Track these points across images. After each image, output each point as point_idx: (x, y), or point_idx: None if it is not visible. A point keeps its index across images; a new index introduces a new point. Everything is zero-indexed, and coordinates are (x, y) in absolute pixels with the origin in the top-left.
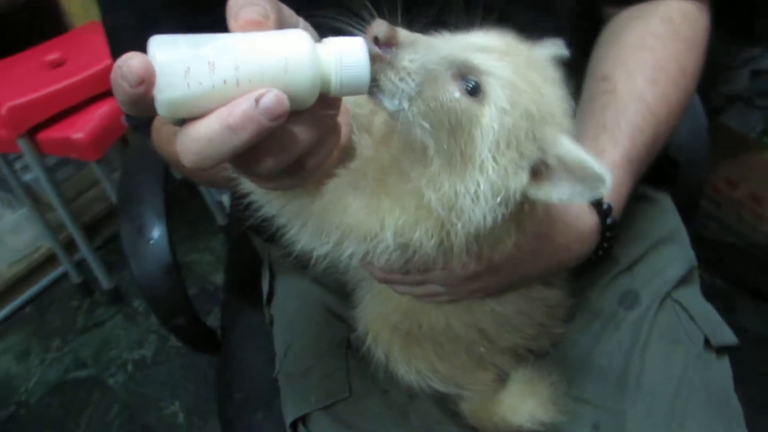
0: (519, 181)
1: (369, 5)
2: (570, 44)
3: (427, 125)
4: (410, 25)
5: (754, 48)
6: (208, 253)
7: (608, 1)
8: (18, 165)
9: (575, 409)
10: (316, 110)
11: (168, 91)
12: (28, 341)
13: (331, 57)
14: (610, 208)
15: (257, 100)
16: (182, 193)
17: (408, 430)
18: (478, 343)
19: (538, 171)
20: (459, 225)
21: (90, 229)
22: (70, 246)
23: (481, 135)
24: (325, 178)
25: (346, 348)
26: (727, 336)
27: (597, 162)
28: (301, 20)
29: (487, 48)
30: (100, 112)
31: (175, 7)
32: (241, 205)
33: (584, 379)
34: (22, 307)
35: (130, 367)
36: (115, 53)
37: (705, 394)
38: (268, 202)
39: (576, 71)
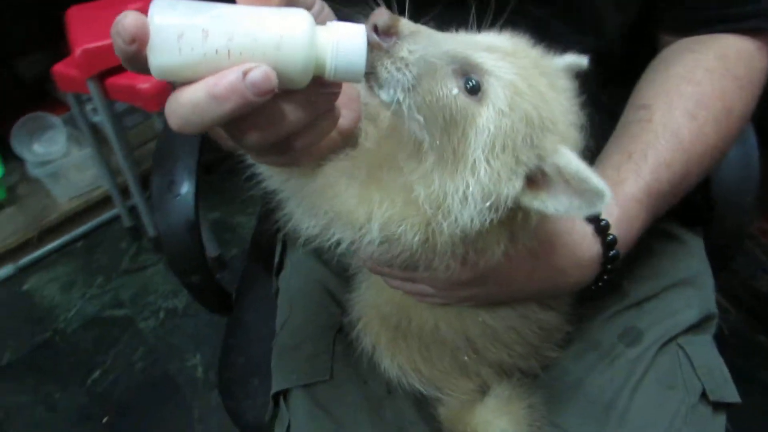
0: (512, 187)
1: None
2: (616, 67)
3: (421, 119)
4: (417, 19)
5: None
6: (255, 218)
7: (665, 29)
8: (89, 106)
9: None
10: (310, 92)
11: (159, 54)
12: (75, 274)
13: (328, 41)
14: (615, 239)
15: (245, 74)
16: (236, 156)
17: (380, 424)
18: (463, 350)
19: (536, 180)
20: (445, 225)
21: (146, 178)
22: (125, 191)
23: (476, 135)
24: (324, 160)
25: (336, 332)
26: (728, 393)
27: (597, 177)
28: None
29: (493, 48)
30: None
31: None
32: None
33: (567, 407)
34: (74, 242)
35: (162, 315)
36: None
37: None
38: (271, 176)
39: (619, 96)
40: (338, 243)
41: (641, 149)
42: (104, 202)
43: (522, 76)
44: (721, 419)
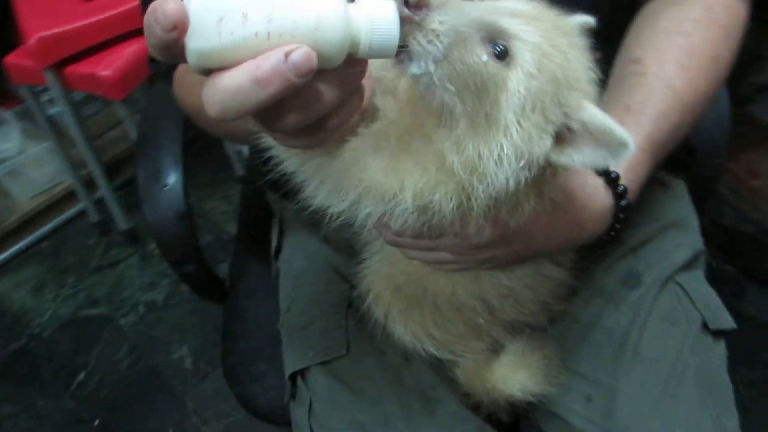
0: (543, 145)
1: None
2: (605, 23)
3: (452, 88)
4: None
5: None
6: (226, 203)
7: None
8: (44, 98)
9: (569, 382)
10: (343, 70)
11: (199, 40)
12: (44, 276)
13: (362, 18)
14: (625, 189)
15: (287, 55)
16: (203, 140)
17: (402, 391)
18: (479, 314)
19: (561, 136)
20: (480, 188)
21: (111, 169)
22: (90, 184)
23: (507, 99)
24: (345, 138)
25: (347, 308)
26: (724, 321)
27: (621, 128)
28: None
29: (517, 13)
30: (129, 51)
31: None
32: (260, 159)
33: (580, 353)
34: (39, 242)
35: (141, 309)
36: None
37: (698, 375)
38: (288, 158)
39: (608, 52)
40: (367, 217)
41: (639, 101)
42: (68, 197)
43: (546, 38)
44: (722, 345)
